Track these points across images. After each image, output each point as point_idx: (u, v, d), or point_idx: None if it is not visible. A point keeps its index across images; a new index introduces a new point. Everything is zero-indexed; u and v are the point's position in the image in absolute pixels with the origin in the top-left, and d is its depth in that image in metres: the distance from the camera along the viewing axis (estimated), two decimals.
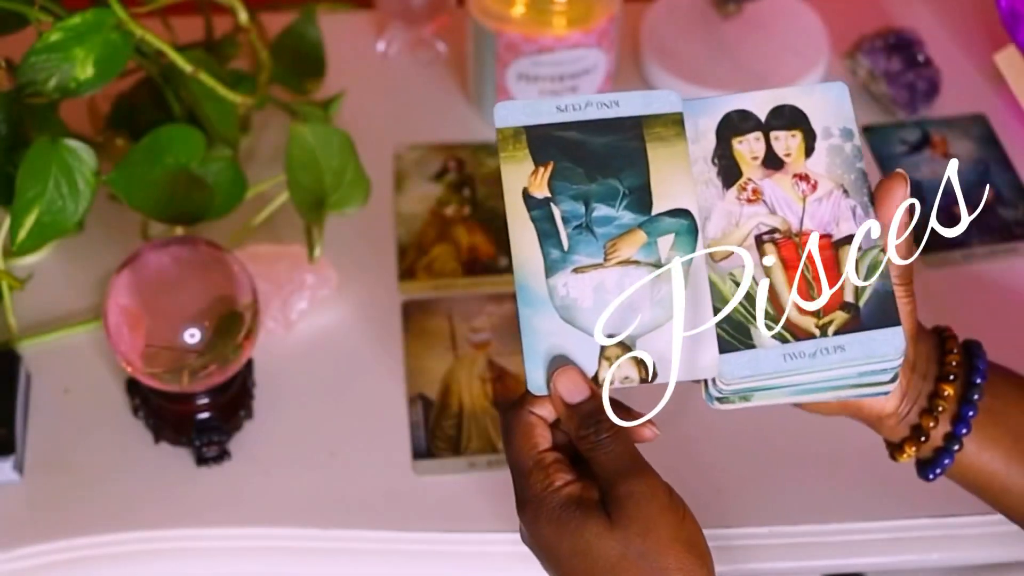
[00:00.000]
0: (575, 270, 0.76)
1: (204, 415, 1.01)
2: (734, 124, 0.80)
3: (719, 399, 0.78)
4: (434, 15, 1.29)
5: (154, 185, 1.04)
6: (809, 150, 0.80)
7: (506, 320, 1.11)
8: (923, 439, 0.81)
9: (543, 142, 0.78)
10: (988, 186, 1.20)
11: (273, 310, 1.08)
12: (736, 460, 1.02)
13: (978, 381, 0.82)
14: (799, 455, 1.03)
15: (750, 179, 0.79)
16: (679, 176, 0.78)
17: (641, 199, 0.78)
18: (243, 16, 1.11)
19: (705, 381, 0.77)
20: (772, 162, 0.79)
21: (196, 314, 0.97)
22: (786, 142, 0.80)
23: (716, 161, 0.79)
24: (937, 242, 1.16)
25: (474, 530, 0.99)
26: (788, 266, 0.77)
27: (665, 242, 0.77)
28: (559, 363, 0.75)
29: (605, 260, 0.77)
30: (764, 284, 0.76)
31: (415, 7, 1.28)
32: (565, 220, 0.77)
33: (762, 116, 0.80)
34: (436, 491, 1.01)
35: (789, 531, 0.99)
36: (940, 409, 0.81)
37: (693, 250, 0.77)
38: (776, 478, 1.01)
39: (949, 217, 1.18)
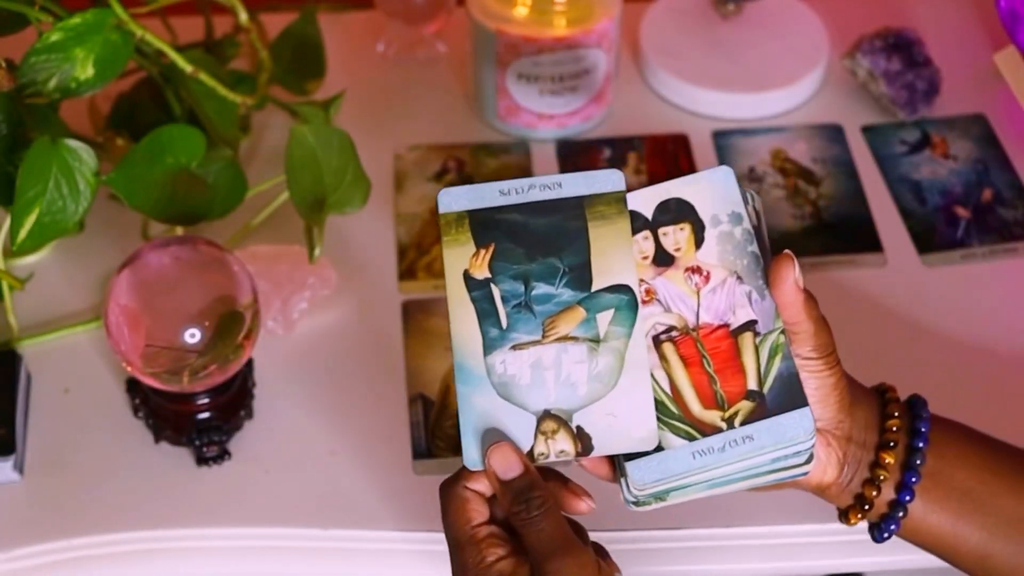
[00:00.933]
0: (513, 347, 0.78)
1: (204, 415, 1.01)
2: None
3: (635, 503, 0.78)
4: (434, 15, 1.29)
5: (154, 185, 1.04)
6: (699, 241, 0.80)
7: None
8: (867, 507, 0.81)
9: (485, 225, 0.79)
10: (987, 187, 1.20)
11: (273, 310, 1.08)
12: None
13: (920, 445, 0.81)
14: None
15: (642, 280, 0.79)
16: (620, 253, 0.79)
17: (581, 276, 0.79)
18: (243, 16, 1.11)
19: (621, 485, 0.78)
20: (662, 259, 0.79)
21: (196, 314, 0.97)
22: (675, 236, 0.80)
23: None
24: (936, 242, 1.16)
25: None
26: (689, 363, 0.78)
27: (604, 317, 0.78)
28: (493, 438, 0.76)
29: (544, 337, 0.78)
30: (663, 382, 0.77)
31: (415, 7, 1.28)
32: (504, 299, 0.78)
33: (648, 214, 0.80)
34: (436, 491, 1.01)
35: (789, 531, 0.99)
36: (882, 478, 0.81)
37: (633, 325, 0.77)
38: None
39: (949, 217, 1.19)
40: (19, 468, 1.02)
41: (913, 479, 0.81)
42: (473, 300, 0.78)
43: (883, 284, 1.13)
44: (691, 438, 0.76)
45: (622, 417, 0.76)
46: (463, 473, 0.78)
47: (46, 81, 1.02)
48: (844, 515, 0.83)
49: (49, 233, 1.02)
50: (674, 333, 0.78)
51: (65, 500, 1.00)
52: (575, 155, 1.24)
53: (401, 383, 1.07)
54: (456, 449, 1.03)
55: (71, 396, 1.06)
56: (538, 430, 0.77)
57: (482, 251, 0.79)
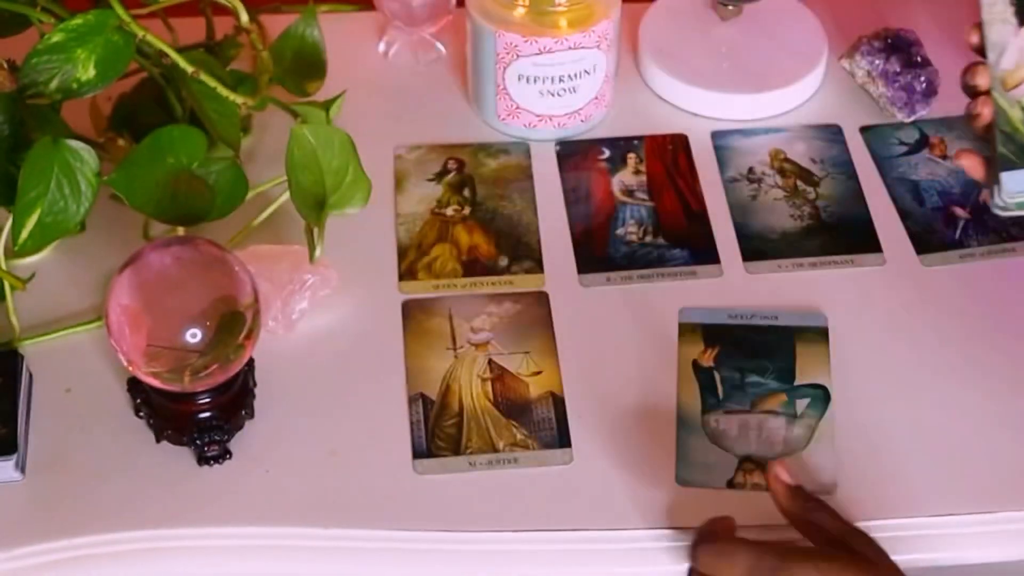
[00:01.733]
0: (726, 412, 1.04)
1: (205, 414, 1.01)
2: None
3: (1002, 208, 0.92)
4: (434, 16, 1.30)
5: (156, 185, 1.05)
6: None
7: (506, 320, 1.11)
8: None
9: (714, 333, 1.09)
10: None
11: (274, 310, 1.09)
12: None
13: None
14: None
15: None
16: (819, 367, 1.06)
17: (785, 375, 1.06)
18: (244, 17, 1.11)
19: (991, 194, 0.92)
20: None
21: (197, 314, 0.97)
22: None
23: (1013, 3, 0.90)
24: (935, 242, 1.17)
25: (474, 530, 0.99)
26: None
27: (802, 403, 1.04)
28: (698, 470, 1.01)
29: (751, 409, 1.04)
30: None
31: (415, 8, 1.28)
32: (723, 381, 1.05)
33: None
34: (436, 490, 1.01)
35: (789, 531, 0.99)
36: None
37: (825, 410, 1.03)
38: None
39: (948, 217, 1.19)
40: (21, 467, 1.02)
41: None
42: (698, 379, 1.06)
43: (882, 284, 1.13)
44: None
45: (808, 468, 1.01)
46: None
47: (48, 82, 1.02)
48: None
49: (51, 233, 1.02)
50: None
51: (66, 499, 1.00)
52: (575, 155, 1.24)
53: (401, 383, 1.07)
54: (456, 449, 1.03)
55: (72, 396, 1.06)
56: (739, 468, 1.01)
57: (709, 349, 1.07)
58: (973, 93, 0.94)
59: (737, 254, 1.16)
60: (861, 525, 0.93)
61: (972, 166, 0.94)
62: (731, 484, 1.00)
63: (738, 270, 1.15)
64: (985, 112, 0.93)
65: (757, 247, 1.16)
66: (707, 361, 1.07)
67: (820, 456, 1.01)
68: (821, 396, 1.05)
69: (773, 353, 1.07)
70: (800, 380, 1.06)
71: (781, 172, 1.23)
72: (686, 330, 1.09)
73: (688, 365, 1.07)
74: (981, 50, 0.92)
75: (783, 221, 1.19)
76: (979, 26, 0.91)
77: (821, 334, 1.08)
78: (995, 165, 0.91)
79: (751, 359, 1.07)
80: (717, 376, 1.06)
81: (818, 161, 1.23)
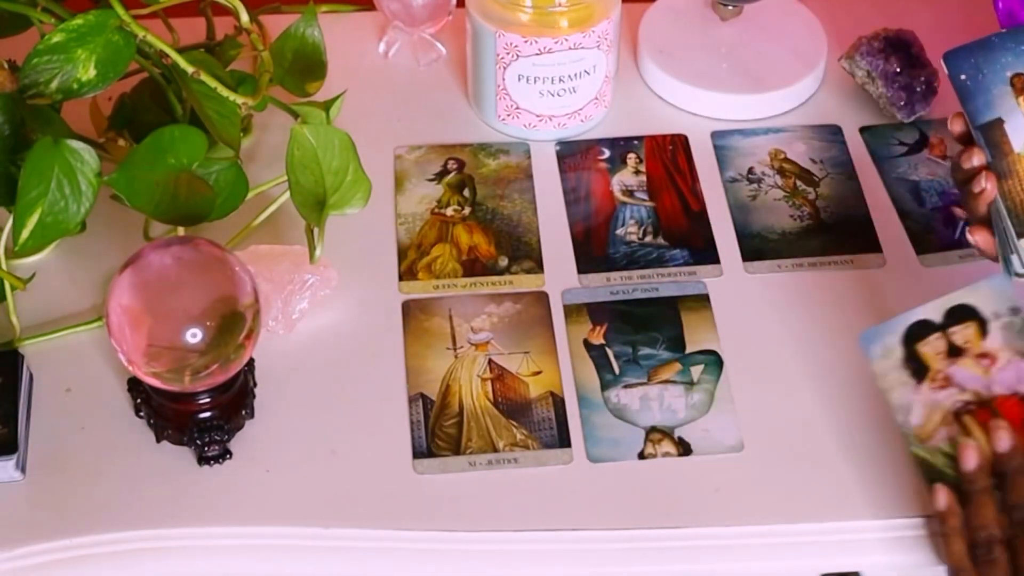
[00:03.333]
0: (625, 387, 1.06)
1: (206, 414, 1.01)
2: (916, 334, 0.98)
3: (1019, 275, 0.98)
4: (434, 16, 1.30)
5: (156, 186, 1.05)
6: (983, 333, 0.97)
7: (506, 320, 1.11)
8: None
9: (599, 311, 1.10)
10: None
11: (274, 310, 1.09)
12: (736, 460, 1.03)
13: None
14: (798, 455, 1.03)
15: (938, 370, 0.97)
16: (707, 332, 1.09)
17: (676, 344, 1.08)
18: (244, 17, 1.11)
19: (1009, 259, 0.98)
20: (954, 352, 0.97)
21: (198, 314, 0.97)
22: (963, 334, 0.98)
23: (906, 365, 0.97)
24: (935, 243, 1.17)
25: (474, 529, 0.99)
26: (987, 429, 0.95)
27: (696, 369, 1.06)
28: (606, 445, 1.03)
29: (648, 380, 1.06)
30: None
31: (416, 8, 1.28)
32: (617, 357, 1.07)
33: (938, 320, 0.98)
34: (436, 490, 1.01)
35: (789, 531, 0.99)
36: None
37: (720, 374, 1.06)
38: (776, 478, 1.02)
39: (947, 218, 1.19)
40: (21, 467, 1.02)
41: None
42: (592, 358, 1.07)
43: (882, 284, 1.14)
44: None
45: (713, 431, 1.03)
46: None
47: (48, 82, 1.02)
48: None
49: (51, 233, 1.02)
50: (971, 407, 0.96)
51: (67, 499, 1.00)
52: (575, 155, 1.24)
53: (401, 383, 1.07)
54: (456, 449, 1.03)
55: (73, 396, 1.07)
56: (647, 439, 1.02)
57: (597, 327, 1.09)
58: (970, 176, 0.97)
59: (737, 254, 1.16)
60: (855, 525, 0.94)
61: (985, 242, 0.98)
62: (642, 456, 1.02)
63: (737, 270, 1.15)
64: (989, 187, 0.96)
65: (757, 247, 1.16)
66: (597, 339, 1.09)
67: (723, 419, 1.04)
68: (714, 361, 1.07)
69: (660, 324, 1.10)
70: (691, 348, 1.08)
71: (781, 172, 1.23)
72: (571, 311, 1.11)
73: (579, 344, 1.09)
74: (963, 139, 0.98)
75: (783, 221, 1.19)
76: (961, 116, 0.98)
77: (703, 300, 1.11)
78: (1007, 235, 0.97)
79: (640, 332, 1.09)
80: (610, 352, 1.08)
81: (818, 161, 1.23)
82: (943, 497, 0.94)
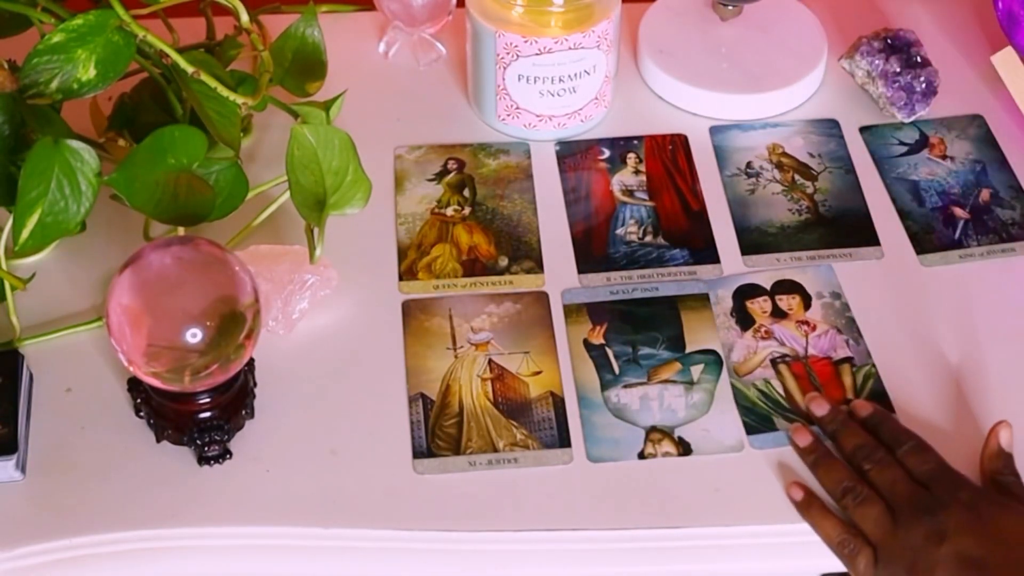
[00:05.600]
0: (625, 386, 1.06)
1: (206, 414, 1.01)
2: (745, 292, 1.12)
3: None
4: (434, 16, 1.30)
5: (156, 186, 1.05)
6: (807, 306, 1.11)
7: (506, 320, 1.11)
8: None
9: (599, 311, 1.11)
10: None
11: (274, 310, 1.09)
12: (736, 460, 1.03)
13: None
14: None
15: (762, 324, 1.10)
16: (707, 332, 1.10)
17: (676, 344, 1.09)
18: (244, 17, 1.11)
19: None
20: (779, 314, 1.10)
21: (198, 314, 0.97)
22: (788, 302, 1.11)
23: (733, 315, 1.10)
24: (935, 242, 1.17)
25: (474, 529, 0.99)
26: (798, 377, 1.06)
27: (697, 369, 1.07)
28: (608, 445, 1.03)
29: (648, 380, 1.07)
30: (779, 389, 1.05)
31: (415, 8, 1.28)
32: (616, 356, 1.08)
33: (767, 286, 1.11)
34: (436, 490, 1.01)
35: (789, 531, 0.99)
36: None
37: (720, 374, 1.06)
38: (776, 478, 1.02)
39: (947, 217, 1.19)
40: (21, 467, 1.02)
41: None
42: (592, 358, 1.08)
43: (881, 284, 1.14)
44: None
45: (713, 431, 1.03)
46: None
47: (48, 82, 1.02)
48: None
49: (51, 233, 1.02)
50: (788, 358, 1.07)
51: (67, 499, 1.01)
52: (574, 155, 1.24)
53: (401, 383, 1.07)
54: (456, 448, 1.03)
55: (73, 395, 1.07)
56: (647, 439, 1.03)
57: (597, 327, 1.10)
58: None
59: (736, 251, 1.16)
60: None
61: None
62: (642, 456, 1.02)
63: (737, 266, 1.15)
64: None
65: (755, 241, 1.17)
66: (597, 338, 1.09)
67: (724, 418, 1.04)
68: (714, 360, 1.08)
69: (660, 323, 1.10)
70: (691, 347, 1.09)
71: (779, 166, 1.23)
72: (571, 311, 1.11)
73: (579, 344, 1.09)
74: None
75: (781, 215, 1.19)
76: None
77: (702, 300, 1.11)
78: None
79: (640, 332, 1.10)
80: (610, 352, 1.08)
81: (816, 155, 1.23)
82: (803, 436, 1.02)
